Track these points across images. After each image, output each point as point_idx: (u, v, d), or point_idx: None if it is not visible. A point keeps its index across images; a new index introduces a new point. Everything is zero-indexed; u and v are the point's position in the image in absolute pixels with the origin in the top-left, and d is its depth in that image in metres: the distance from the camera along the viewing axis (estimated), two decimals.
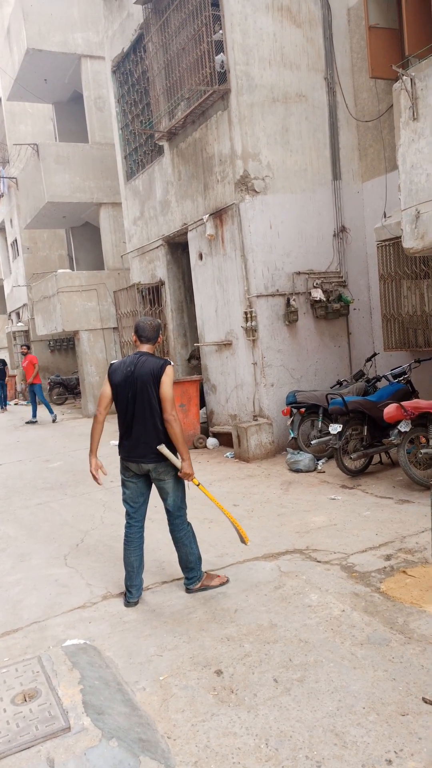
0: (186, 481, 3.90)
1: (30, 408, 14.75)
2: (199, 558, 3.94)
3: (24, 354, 13.94)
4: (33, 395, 13.67)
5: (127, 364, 3.77)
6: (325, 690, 2.75)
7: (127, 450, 3.82)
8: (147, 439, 3.72)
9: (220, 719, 2.62)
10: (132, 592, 3.87)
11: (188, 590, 3.92)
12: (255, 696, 2.75)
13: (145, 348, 3.82)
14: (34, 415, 13.59)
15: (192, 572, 3.91)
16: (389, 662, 2.92)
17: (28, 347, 14.55)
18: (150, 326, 3.82)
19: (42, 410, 16.22)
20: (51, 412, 13.61)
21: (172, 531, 3.90)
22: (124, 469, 3.89)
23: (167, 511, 3.90)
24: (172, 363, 3.76)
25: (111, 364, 3.87)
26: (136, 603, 3.86)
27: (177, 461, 3.76)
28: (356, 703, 2.64)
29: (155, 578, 4.23)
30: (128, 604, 3.85)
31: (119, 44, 10.26)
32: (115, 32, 10.43)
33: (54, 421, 13.41)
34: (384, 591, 3.67)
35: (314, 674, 2.88)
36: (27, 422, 13.50)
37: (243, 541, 4.11)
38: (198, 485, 3.92)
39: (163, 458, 3.72)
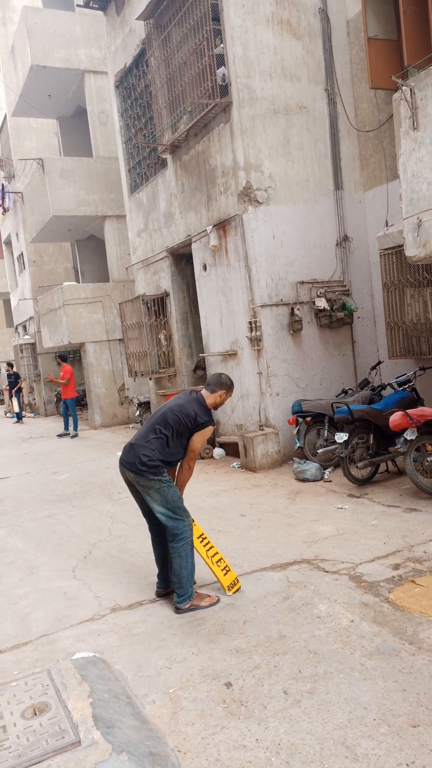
0: (182, 494, 3.99)
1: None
2: (191, 575, 3.86)
3: (59, 365, 13.26)
4: (66, 408, 13.13)
5: (187, 392, 4.08)
6: (335, 702, 2.74)
7: (123, 451, 3.96)
8: (140, 449, 3.80)
9: (231, 732, 2.61)
10: (158, 582, 4.15)
11: (177, 610, 3.83)
12: (265, 708, 2.75)
13: (204, 394, 4.02)
14: (67, 427, 13.06)
15: (182, 589, 3.82)
16: (399, 673, 2.91)
17: (64, 358, 13.52)
18: (216, 377, 4.08)
19: (53, 422, 16.28)
20: (75, 428, 13.01)
21: (168, 541, 3.89)
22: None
23: (162, 523, 3.89)
24: (215, 424, 4.00)
25: None
26: (162, 594, 4.08)
27: None
28: (367, 714, 2.63)
29: None
30: (157, 593, 4.14)
31: (122, 59, 10.40)
32: (117, 48, 10.57)
33: (72, 437, 12.86)
34: (393, 601, 3.65)
35: (324, 686, 2.86)
36: (72, 436, 12.91)
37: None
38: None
39: (145, 472, 3.75)
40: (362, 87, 8.15)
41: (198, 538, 4.01)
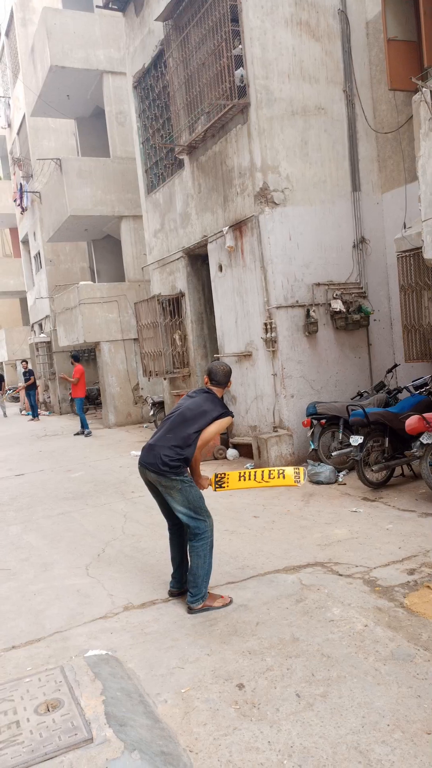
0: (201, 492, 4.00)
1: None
2: (207, 575, 3.87)
3: (73, 365, 13.38)
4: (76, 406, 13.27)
5: (196, 390, 4.10)
6: (348, 706, 2.72)
7: (143, 452, 3.96)
8: (162, 450, 3.81)
9: (243, 734, 2.61)
10: (171, 582, 4.15)
11: (190, 609, 3.83)
12: (277, 711, 2.74)
13: (214, 390, 4.06)
14: (85, 426, 13.09)
15: (196, 589, 3.83)
16: (414, 678, 2.88)
17: (77, 358, 13.56)
18: (222, 371, 4.07)
19: (68, 420, 16.38)
20: (86, 426, 13.09)
21: (188, 540, 3.92)
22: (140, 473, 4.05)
23: (184, 523, 3.91)
24: (232, 415, 4.05)
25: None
26: (175, 593, 4.08)
27: None
28: (380, 720, 2.61)
29: None
30: (170, 592, 4.13)
31: (140, 60, 10.44)
32: (136, 48, 10.62)
33: (86, 435, 12.94)
34: (408, 606, 3.62)
35: (337, 690, 2.85)
36: (85, 434, 12.96)
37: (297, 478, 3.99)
38: (216, 490, 4.13)
39: (167, 472, 3.76)
40: (381, 88, 8.11)
41: (240, 479, 4.04)
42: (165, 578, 4.33)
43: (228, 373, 4.07)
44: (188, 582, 3.90)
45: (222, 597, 3.93)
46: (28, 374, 18.04)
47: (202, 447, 3.90)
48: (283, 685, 2.93)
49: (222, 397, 4.10)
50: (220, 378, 4.05)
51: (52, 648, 3.55)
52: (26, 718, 2.75)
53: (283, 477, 3.95)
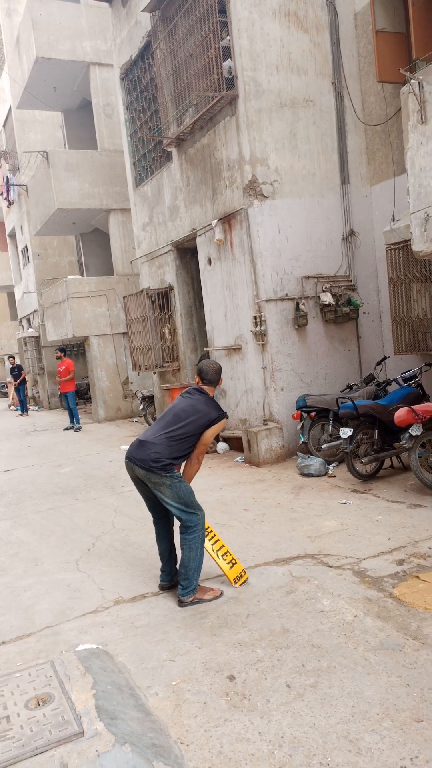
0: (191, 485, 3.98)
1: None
2: (199, 568, 3.87)
3: (59, 359, 13.27)
4: (67, 401, 13.14)
5: (190, 391, 4.11)
6: (338, 696, 2.74)
7: (131, 447, 3.93)
8: (152, 447, 3.79)
9: (233, 725, 2.61)
10: (161, 576, 4.15)
11: (181, 602, 3.83)
12: (268, 702, 2.75)
13: (206, 389, 4.08)
14: (74, 420, 12.99)
15: (187, 581, 3.83)
16: (403, 668, 2.90)
17: (64, 351, 13.49)
18: (212, 369, 4.09)
19: (57, 415, 16.30)
20: (77, 421, 13.07)
21: (180, 532, 3.92)
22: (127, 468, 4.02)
23: (176, 516, 3.90)
24: (228, 417, 4.07)
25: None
26: (165, 587, 4.09)
27: None
28: (370, 709, 2.62)
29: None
30: (160, 586, 4.14)
31: (127, 52, 10.35)
32: (123, 40, 10.52)
33: (76, 430, 12.89)
34: (397, 596, 3.65)
35: (327, 680, 2.86)
36: (75, 429, 12.90)
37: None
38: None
39: (157, 469, 3.74)
40: (370, 80, 8.09)
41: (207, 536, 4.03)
42: (155, 572, 4.33)
43: (218, 371, 4.10)
44: (179, 574, 3.89)
45: (212, 590, 3.92)
46: (16, 370, 17.92)
47: (202, 453, 3.97)
48: (273, 676, 2.94)
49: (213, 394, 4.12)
50: (211, 376, 4.07)
51: (42, 643, 3.54)
52: (16, 713, 2.74)
53: (231, 567, 4.04)
